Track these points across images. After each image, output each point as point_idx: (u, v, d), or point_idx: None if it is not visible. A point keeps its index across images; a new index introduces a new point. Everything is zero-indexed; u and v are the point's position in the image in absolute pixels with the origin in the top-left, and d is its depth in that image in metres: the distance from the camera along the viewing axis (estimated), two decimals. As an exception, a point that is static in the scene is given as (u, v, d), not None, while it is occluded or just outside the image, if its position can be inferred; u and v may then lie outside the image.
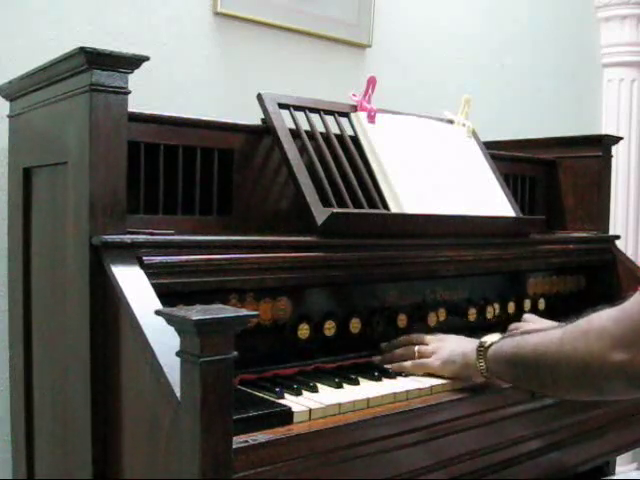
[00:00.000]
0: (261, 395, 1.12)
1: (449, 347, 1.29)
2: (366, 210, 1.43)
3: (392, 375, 1.28)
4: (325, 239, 1.32)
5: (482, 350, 1.22)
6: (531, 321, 1.52)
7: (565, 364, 1.06)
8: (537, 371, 1.12)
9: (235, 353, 0.87)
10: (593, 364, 1.01)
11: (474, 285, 1.65)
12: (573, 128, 2.49)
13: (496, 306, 1.69)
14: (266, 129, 1.44)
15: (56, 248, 1.25)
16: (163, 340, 0.95)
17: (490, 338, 1.24)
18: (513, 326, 1.53)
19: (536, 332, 1.17)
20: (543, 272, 1.85)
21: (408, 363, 1.31)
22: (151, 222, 1.30)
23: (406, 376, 1.28)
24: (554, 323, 1.47)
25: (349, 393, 1.15)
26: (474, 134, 1.80)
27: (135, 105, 1.18)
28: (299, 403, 1.08)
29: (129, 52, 1.13)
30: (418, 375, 1.29)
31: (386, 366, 1.33)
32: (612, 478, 1.87)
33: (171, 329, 0.88)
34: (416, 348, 1.33)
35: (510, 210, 1.73)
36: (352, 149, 1.52)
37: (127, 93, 1.12)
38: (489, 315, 1.66)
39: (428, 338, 1.36)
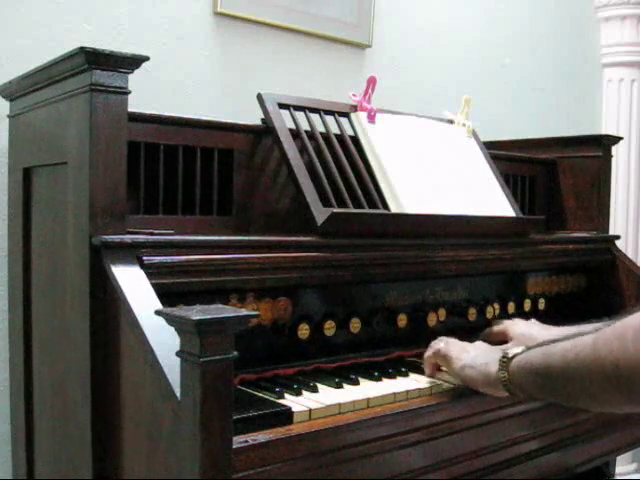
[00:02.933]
0: (261, 395, 1.12)
1: (472, 354, 1.24)
2: (366, 210, 1.43)
3: (392, 375, 1.28)
4: (325, 239, 1.32)
5: (505, 360, 1.13)
6: (510, 327, 1.44)
7: (597, 369, 0.95)
8: (565, 378, 1.01)
9: (235, 353, 0.87)
10: (625, 366, 0.91)
11: (474, 285, 1.65)
12: (573, 128, 2.50)
13: (496, 306, 1.68)
14: (266, 129, 1.44)
15: (56, 248, 1.25)
16: (163, 340, 0.95)
17: (514, 350, 1.15)
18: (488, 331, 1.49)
19: (567, 338, 1.04)
20: (543, 272, 1.84)
21: (429, 352, 1.29)
22: (151, 222, 1.30)
23: (406, 376, 1.28)
24: (542, 326, 1.43)
25: (349, 393, 1.15)
26: (474, 134, 1.80)
27: (135, 105, 1.18)
28: (299, 403, 1.08)
29: (129, 52, 1.13)
30: (429, 368, 1.29)
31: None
32: (612, 478, 1.87)
33: (171, 329, 0.88)
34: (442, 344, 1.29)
35: (510, 210, 1.73)
36: (352, 149, 1.52)
37: (127, 93, 1.12)
38: (489, 315, 1.66)
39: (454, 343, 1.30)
